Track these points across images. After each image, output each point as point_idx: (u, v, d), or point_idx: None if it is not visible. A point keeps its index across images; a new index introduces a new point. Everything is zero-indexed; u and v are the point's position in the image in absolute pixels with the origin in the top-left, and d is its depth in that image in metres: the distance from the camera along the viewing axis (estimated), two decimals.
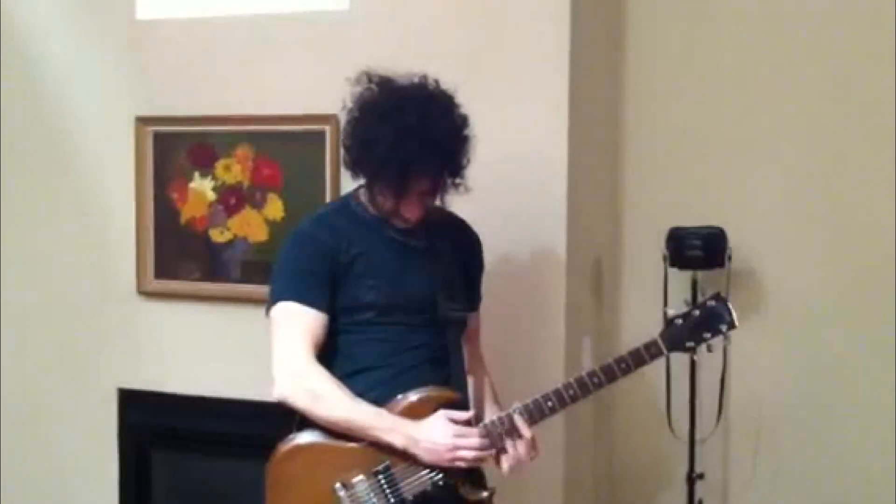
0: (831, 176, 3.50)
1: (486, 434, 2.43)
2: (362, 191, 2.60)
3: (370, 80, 2.48)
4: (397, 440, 2.40)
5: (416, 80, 2.47)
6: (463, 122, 2.47)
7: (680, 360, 3.21)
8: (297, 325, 2.47)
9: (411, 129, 2.37)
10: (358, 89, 2.49)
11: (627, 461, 3.75)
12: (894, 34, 3.35)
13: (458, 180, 2.47)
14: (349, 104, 2.50)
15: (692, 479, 3.45)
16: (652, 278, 3.48)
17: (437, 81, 2.49)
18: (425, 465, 2.42)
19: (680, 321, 2.47)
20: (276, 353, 2.48)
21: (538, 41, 3.24)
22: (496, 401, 2.67)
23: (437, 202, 2.52)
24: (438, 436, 2.39)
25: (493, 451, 2.45)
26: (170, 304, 3.65)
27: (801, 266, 3.53)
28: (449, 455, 2.39)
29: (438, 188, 2.47)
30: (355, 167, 2.50)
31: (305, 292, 2.48)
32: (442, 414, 2.42)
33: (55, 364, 3.83)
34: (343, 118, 2.53)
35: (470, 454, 2.40)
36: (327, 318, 2.49)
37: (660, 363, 2.53)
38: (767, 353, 3.53)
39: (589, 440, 3.58)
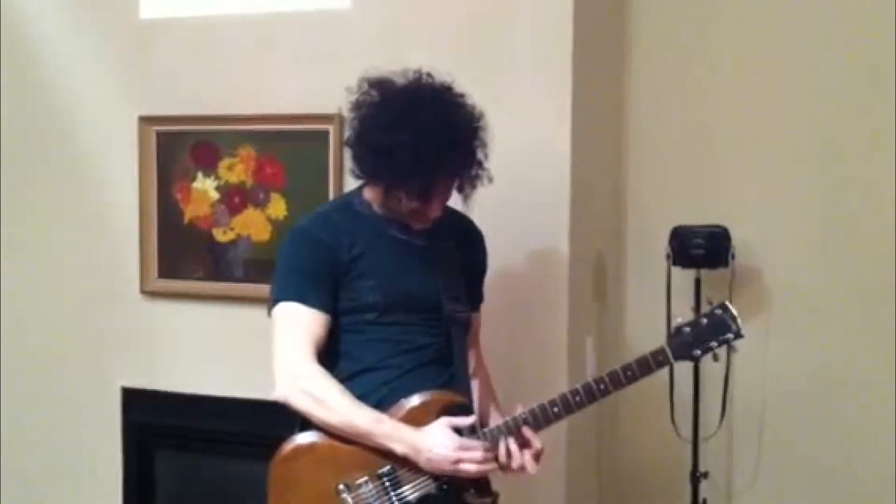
0: (834, 174, 3.50)
1: (491, 444, 2.42)
2: (366, 189, 2.58)
3: (370, 86, 2.45)
4: (398, 448, 2.38)
5: (411, 76, 2.45)
6: (475, 112, 2.46)
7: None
8: (298, 325, 2.46)
9: (431, 130, 2.35)
10: (359, 96, 2.46)
11: (631, 460, 3.75)
12: (895, 33, 3.35)
13: (481, 171, 2.46)
14: (353, 112, 2.47)
15: (696, 478, 3.45)
16: (655, 277, 3.48)
17: (430, 75, 2.47)
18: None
19: (687, 329, 2.46)
20: (277, 354, 2.47)
21: (541, 39, 3.24)
22: (497, 403, 2.66)
23: (465, 196, 2.49)
24: (440, 447, 2.37)
25: (496, 465, 2.42)
26: (173, 304, 3.65)
27: (804, 264, 3.53)
28: (451, 468, 2.37)
29: (461, 183, 2.46)
30: (373, 175, 2.48)
31: (306, 293, 2.46)
32: (444, 422, 2.40)
33: (58, 363, 3.83)
34: (352, 127, 2.49)
35: (472, 468, 2.38)
36: (329, 318, 2.48)
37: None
38: (771, 351, 3.53)
39: (592, 439, 3.58)
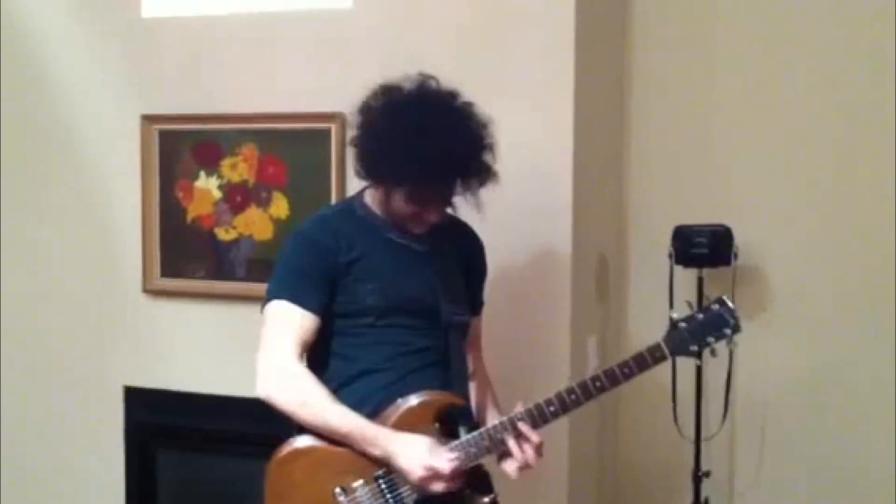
0: (837, 173, 3.49)
1: (463, 457, 2.40)
2: (367, 193, 2.59)
3: (378, 91, 2.46)
4: (377, 452, 2.38)
5: (417, 81, 2.45)
6: (482, 120, 2.46)
7: (686, 358, 3.20)
8: (287, 324, 2.47)
9: (436, 138, 2.36)
10: (366, 100, 2.46)
11: (633, 460, 3.75)
12: (895, 33, 3.34)
13: (487, 177, 2.45)
14: (360, 115, 2.47)
15: (698, 477, 3.45)
16: (658, 276, 3.48)
17: (436, 80, 2.47)
18: None
19: (684, 325, 2.45)
20: (262, 350, 2.48)
21: (542, 39, 3.23)
22: (497, 408, 2.65)
23: (474, 203, 2.48)
24: (413, 462, 2.35)
25: (462, 482, 2.40)
26: (175, 303, 3.66)
27: (806, 264, 3.53)
28: (418, 483, 2.36)
29: (467, 187, 2.45)
30: (375, 178, 2.48)
31: (300, 293, 2.47)
32: (428, 441, 2.38)
33: (61, 362, 3.84)
34: (358, 130, 2.49)
35: (439, 487, 2.35)
36: (319, 320, 2.48)
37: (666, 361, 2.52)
38: (773, 350, 3.53)
39: (594, 439, 3.58)
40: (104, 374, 3.76)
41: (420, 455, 2.36)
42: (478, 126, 2.44)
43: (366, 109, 2.48)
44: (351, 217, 2.57)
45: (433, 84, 2.46)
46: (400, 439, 2.38)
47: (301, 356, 2.46)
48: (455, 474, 2.37)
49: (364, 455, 2.41)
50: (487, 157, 2.45)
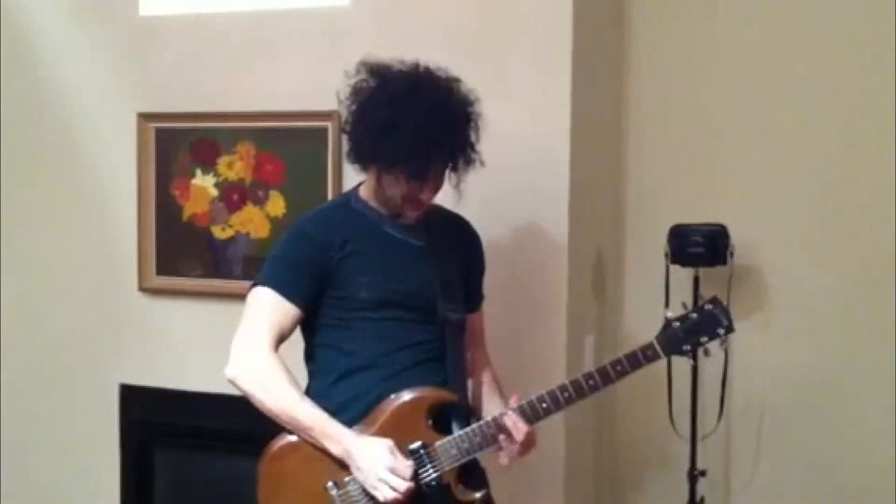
0: (834, 173, 3.49)
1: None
2: (363, 188, 2.60)
3: (368, 71, 2.47)
4: (335, 449, 2.39)
5: (415, 65, 2.46)
6: (470, 96, 2.48)
7: (681, 357, 3.21)
8: (267, 312, 2.48)
9: (430, 111, 2.37)
10: (359, 80, 2.48)
11: (629, 458, 3.75)
12: (895, 32, 3.35)
13: (473, 154, 2.47)
14: (351, 96, 2.48)
15: (694, 476, 3.44)
16: (654, 275, 3.47)
17: (428, 67, 2.48)
18: (418, 466, 2.40)
19: (677, 324, 2.46)
20: (239, 333, 2.49)
21: (540, 35, 3.23)
22: (502, 399, 2.63)
23: (457, 181, 2.50)
24: (370, 463, 2.36)
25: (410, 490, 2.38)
26: (172, 301, 3.66)
27: (803, 263, 3.52)
28: (371, 485, 2.36)
29: (455, 166, 2.47)
30: (372, 156, 2.47)
31: (285, 283, 2.48)
32: (388, 444, 2.38)
33: (57, 360, 3.84)
34: (350, 111, 2.50)
35: (390, 495, 2.34)
36: (301, 312, 2.50)
37: (662, 359, 2.52)
38: (769, 350, 3.52)
39: (590, 437, 3.58)
40: (100, 373, 3.76)
41: (382, 458, 2.36)
42: (460, 100, 2.45)
43: (355, 91, 2.49)
44: (347, 211, 2.58)
45: (420, 65, 2.47)
46: (362, 441, 2.39)
47: (276, 345, 2.47)
48: (407, 487, 2.35)
49: None
50: (471, 132, 2.45)
